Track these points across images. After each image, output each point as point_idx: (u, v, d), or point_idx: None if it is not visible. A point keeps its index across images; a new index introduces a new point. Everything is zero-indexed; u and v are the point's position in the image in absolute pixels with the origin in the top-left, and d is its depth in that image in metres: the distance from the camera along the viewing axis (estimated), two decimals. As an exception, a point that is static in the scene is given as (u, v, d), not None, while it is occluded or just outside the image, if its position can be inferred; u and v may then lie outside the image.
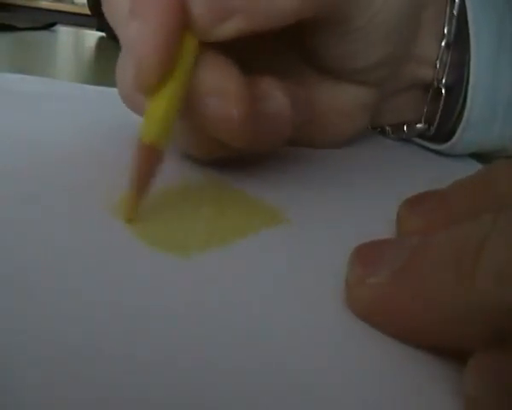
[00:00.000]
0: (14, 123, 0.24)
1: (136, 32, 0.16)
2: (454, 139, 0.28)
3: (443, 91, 0.27)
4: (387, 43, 0.24)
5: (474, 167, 0.27)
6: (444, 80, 0.27)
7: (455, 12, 0.26)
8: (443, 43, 0.27)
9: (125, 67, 0.20)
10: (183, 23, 0.16)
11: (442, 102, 0.27)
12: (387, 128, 0.31)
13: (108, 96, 0.32)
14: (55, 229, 0.15)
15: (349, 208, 0.20)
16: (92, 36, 0.71)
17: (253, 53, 0.21)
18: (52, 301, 0.12)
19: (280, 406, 0.10)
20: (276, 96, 0.19)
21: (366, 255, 0.14)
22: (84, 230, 0.15)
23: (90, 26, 0.92)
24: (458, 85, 0.27)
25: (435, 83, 0.27)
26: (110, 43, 0.63)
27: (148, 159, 0.16)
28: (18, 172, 0.19)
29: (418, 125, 0.29)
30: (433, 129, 0.29)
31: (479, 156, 0.30)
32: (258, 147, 0.20)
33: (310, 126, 0.23)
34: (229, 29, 0.17)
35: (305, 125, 0.21)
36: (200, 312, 0.12)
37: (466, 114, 0.27)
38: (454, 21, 0.26)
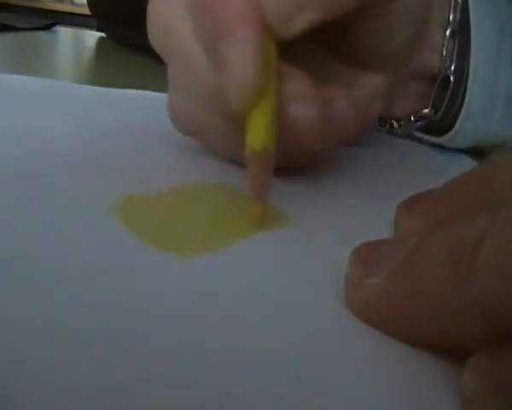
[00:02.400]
0: (14, 123, 0.24)
1: (232, 55, 0.16)
2: (455, 129, 0.28)
3: (451, 78, 0.27)
4: (411, 27, 0.24)
5: (469, 165, 0.27)
6: (453, 67, 0.27)
7: (459, 0, 0.26)
8: (448, 31, 0.27)
9: (187, 94, 0.20)
10: (264, 31, 0.17)
11: (450, 88, 0.27)
12: (395, 124, 0.31)
13: (108, 97, 0.32)
14: (54, 229, 0.15)
15: (349, 208, 0.20)
16: (92, 36, 0.71)
17: (298, 60, 0.21)
18: (52, 301, 0.12)
19: (280, 405, 0.10)
20: (340, 101, 0.19)
21: (365, 256, 0.14)
22: (84, 230, 0.15)
23: (89, 27, 0.92)
24: (460, 77, 0.27)
25: (443, 71, 0.27)
26: (110, 44, 0.63)
27: (264, 164, 0.17)
28: (17, 172, 0.19)
29: (425, 111, 0.29)
30: (439, 113, 0.28)
31: (476, 153, 0.30)
32: (325, 150, 0.21)
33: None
34: (304, 21, 0.18)
35: (344, 136, 0.21)
36: (200, 312, 0.12)
37: (466, 103, 0.27)
38: (458, 9, 0.26)
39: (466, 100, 0.27)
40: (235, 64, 0.16)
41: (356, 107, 0.20)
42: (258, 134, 0.16)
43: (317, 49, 0.25)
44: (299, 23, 0.18)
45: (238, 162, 0.21)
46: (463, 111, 0.27)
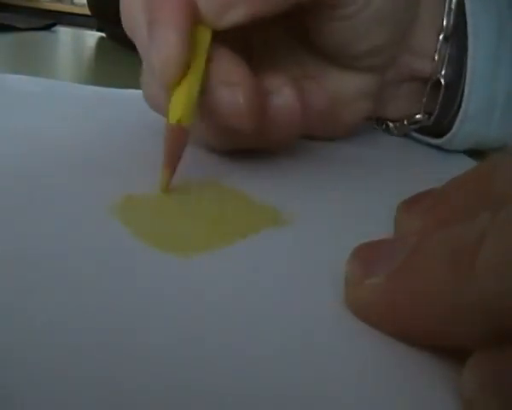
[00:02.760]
0: (14, 123, 0.24)
1: (157, 36, 0.18)
2: (452, 131, 0.28)
3: (442, 82, 0.27)
4: (383, 30, 0.25)
5: (469, 165, 0.27)
6: (443, 72, 0.27)
7: (453, 6, 0.27)
8: (441, 36, 0.27)
9: (149, 71, 0.22)
10: (195, 19, 0.19)
11: (442, 93, 0.27)
12: (391, 125, 0.31)
13: (108, 97, 0.32)
14: (54, 229, 0.15)
15: (349, 208, 0.20)
16: (92, 36, 0.71)
17: (261, 49, 0.22)
18: (52, 301, 0.12)
19: (280, 405, 0.10)
20: (283, 89, 0.21)
21: (365, 256, 0.14)
22: (84, 230, 0.15)
23: (89, 27, 0.91)
24: (457, 78, 0.27)
25: (434, 75, 0.28)
26: (110, 44, 0.63)
27: (176, 137, 0.18)
28: (17, 172, 0.19)
29: (417, 116, 0.29)
30: (432, 118, 0.29)
31: (475, 154, 0.30)
32: (271, 140, 0.22)
33: (319, 117, 0.24)
34: (235, 16, 0.19)
35: (319, 116, 0.23)
36: (200, 312, 0.12)
37: (464, 105, 0.27)
38: (452, 14, 0.27)
39: (464, 102, 0.27)
40: (159, 45, 0.18)
41: (318, 103, 0.22)
42: (175, 110, 0.18)
43: (297, 46, 0.26)
44: (229, 19, 0.19)
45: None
46: (461, 113, 0.27)
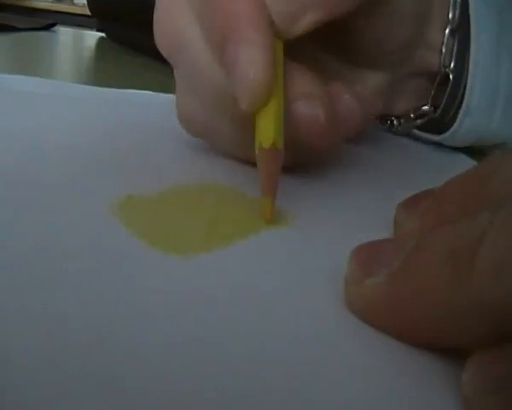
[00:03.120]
0: (14, 123, 0.24)
1: (240, 57, 0.16)
2: (455, 125, 0.28)
3: (450, 76, 0.27)
4: (409, 26, 0.25)
5: (469, 165, 0.27)
6: (452, 65, 0.27)
7: None
8: (447, 30, 0.27)
9: (194, 96, 0.21)
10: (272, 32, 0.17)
11: (450, 85, 0.27)
12: (395, 122, 0.31)
13: (108, 97, 0.32)
14: (54, 229, 0.15)
15: (349, 208, 0.20)
16: (92, 36, 0.71)
17: (300, 59, 0.21)
18: (52, 301, 0.12)
19: (280, 405, 0.10)
20: (346, 98, 0.20)
21: (365, 256, 0.14)
22: (84, 230, 0.15)
23: (89, 27, 0.92)
24: (460, 73, 0.27)
25: (442, 69, 0.28)
26: (110, 44, 0.63)
27: (273, 160, 0.17)
28: (17, 172, 0.19)
29: (424, 108, 0.29)
30: (439, 111, 0.29)
31: (475, 153, 0.30)
32: (333, 148, 0.21)
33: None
34: (309, 22, 0.19)
35: (351, 133, 0.22)
36: (200, 312, 0.12)
37: (466, 99, 0.27)
38: (458, 7, 0.27)
39: (466, 95, 0.27)
40: (245, 67, 0.16)
41: (363, 104, 0.21)
42: (267, 133, 0.17)
43: (317, 48, 0.25)
44: (305, 23, 0.19)
45: (246, 161, 0.22)
46: (464, 106, 0.27)
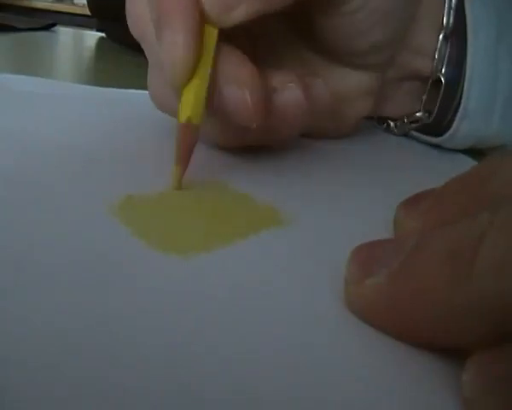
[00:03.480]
0: (14, 123, 0.24)
1: (166, 38, 0.19)
2: (452, 129, 0.28)
3: (442, 80, 0.27)
4: (384, 28, 0.25)
5: (469, 165, 0.27)
6: (443, 70, 0.27)
7: (452, 5, 0.27)
8: (441, 35, 0.27)
9: (157, 72, 0.23)
10: (202, 19, 0.19)
11: (442, 91, 0.28)
12: (391, 124, 0.31)
13: (108, 97, 0.32)
14: (54, 229, 0.15)
15: (349, 209, 0.20)
16: (92, 36, 0.71)
17: (264, 47, 0.22)
18: (52, 301, 0.12)
19: (280, 406, 0.10)
20: (290, 87, 0.21)
21: (365, 256, 0.14)
22: (84, 230, 0.15)
23: (89, 27, 0.92)
24: (457, 77, 0.27)
25: (434, 74, 0.28)
26: (110, 44, 0.63)
27: (187, 135, 0.19)
28: (17, 172, 0.19)
29: (418, 114, 0.30)
30: (431, 117, 0.29)
31: (475, 153, 0.30)
32: (276, 136, 0.23)
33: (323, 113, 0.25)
34: (239, 14, 0.20)
35: (322, 112, 0.23)
36: (200, 312, 0.12)
37: (463, 102, 0.27)
38: (452, 13, 0.27)
39: (463, 99, 0.27)
40: (168, 47, 0.19)
41: (318, 97, 0.22)
42: (185, 108, 0.19)
43: (300, 43, 0.26)
44: (237, 15, 0.20)
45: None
46: (461, 110, 0.27)
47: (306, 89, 0.21)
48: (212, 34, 0.20)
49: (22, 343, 0.11)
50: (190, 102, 0.19)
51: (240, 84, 0.19)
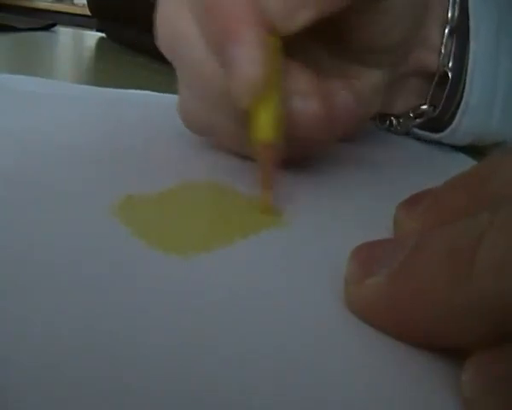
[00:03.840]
0: (14, 123, 0.24)
1: (236, 55, 0.17)
2: (454, 123, 0.28)
3: (449, 74, 0.27)
4: (406, 24, 0.25)
5: (469, 164, 0.27)
6: (450, 64, 0.27)
7: None
8: (447, 29, 0.27)
9: (195, 93, 0.22)
10: (267, 30, 0.18)
11: (449, 85, 0.28)
12: (394, 121, 0.31)
13: (108, 97, 0.32)
14: (54, 229, 0.15)
15: (349, 209, 0.20)
16: (92, 37, 0.71)
17: (297, 56, 0.21)
18: (52, 301, 0.12)
19: (280, 406, 0.10)
20: (342, 93, 0.21)
21: (364, 256, 0.14)
22: (84, 230, 0.15)
23: (89, 27, 0.92)
24: (459, 72, 0.27)
25: (441, 68, 0.28)
26: (110, 44, 0.63)
27: (270, 155, 0.18)
28: (17, 172, 0.19)
29: (423, 107, 0.29)
30: (437, 110, 0.29)
31: (475, 153, 0.30)
32: (328, 143, 0.22)
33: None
34: (304, 18, 0.19)
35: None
36: (200, 312, 0.12)
37: (465, 97, 0.27)
38: (457, 7, 0.27)
39: (465, 93, 0.27)
40: (240, 65, 0.17)
41: (358, 98, 0.21)
42: (264, 128, 0.18)
43: (315, 45, 0.26)
44: (301, 20, 0.19)
45: (246, 157, 0.22)
46: (463, 104, 0.27)
47: (326, 102, 0.20)
48: (276, 44, 0.19)
49: (22, 343, 0.11)
50: (269, 120, 0.18)
51: (307, 95, 0.19)
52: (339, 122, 0.20)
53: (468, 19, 0.27)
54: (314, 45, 0.26)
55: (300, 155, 0.22)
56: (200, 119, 0.22)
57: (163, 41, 0.22)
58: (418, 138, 0.32)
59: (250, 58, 0.17)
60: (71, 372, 0.10)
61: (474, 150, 0.30)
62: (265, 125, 0.18)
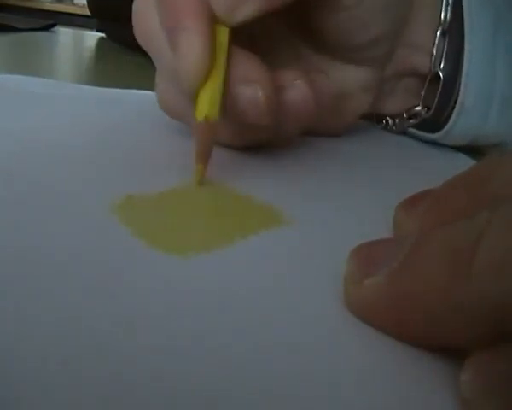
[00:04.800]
0: (14, 123, 0.24)
1: (181, 43, 0.19)
2: (449, 124, 0.28)
3: (441, 75, 0.28)
4: (379, 23, 0.25)
5: (468, 164, 0.27)
6: (442, 66, 0.28)
7: (450, 0, 0.27)
8: (439, 31, 0.27)
9: (168, 77, 0.23)
10: (213, 20, 0.19)
11: (441, 86, 0.28)
12: (390, 121, 0.31)
13: (108, 97, 0.32)
14: (54, 229, 0.15)
15: (348, 209, 0.20)
16: (92, 37, 0.71)
17: (265, 46, 0.23)
18: (52, 301, 0.12)
19: (280, 406, 0.10)
20: (298, 84, 0.21)
21: (364, 255, 0.14)
22: (84, 229, 0.15)
23: (89, 27, 0.92)
24: (455, 73, 0.27)
25: (433, 69, 0.28)
26: (110, 44, 0.63)
27: (205, 133, 0.19)
28: (17, 172, 0.19)
29: (416, 108, 0.30)
30: (430, 112, 0.29)
31: (475, 153, 0.30)
32: (284, 134, 0.23)
33: (325, 109, 0.25)
34: (248, 11, 0.20)
35: (325, 108, 0.24)
36: (200, 312, 0.12)
37: (461, 97, 0.27)
38: (449, 8, 0.27)
39: (460, 94, 0.27)
40: (183, 51, 0.19)
41: (322, 93, 0.22)
42: (202, 107, 0.19)
43: (298, 40, 0.27)
44: (242, 14, 0.20)
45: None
46: (458, 105, 0.27)
47: (312, 85, 0.22)
48: (223, 34, 0.20)
49: (22, 343, 0.11)
50: (207, 100, 0.19)
51: (251, 82, 0.20)
52: (291, 112, 0.21)
53: (462, 20, 0.27)
54: (298, 41, 0.27)
55: (257, 140, 0.23)
56: (172, 104, 0.24)
57: (137, 33, 0.23)
58: (415, 138, 0.32)
59: (190, 44, 0.19)
60: (71, 372, 0.10)
61: (473, 150, 0.30)
62: (203, 104, 0.19)
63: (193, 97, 0.20)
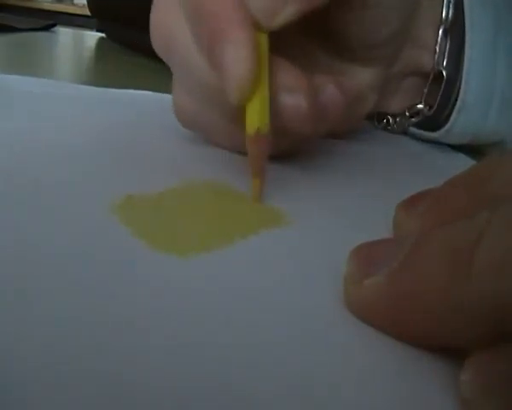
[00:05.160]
0: (14, 123, 0.24)
1: (226, 54, 0.18)
2: (450, 122, 0.28)
3: (444, 74, 0.28)
4: (393, 21, 0.25)
5: (468, 164, 0.27)
6: (445, 64, 0.28)
7: None
8: (441, 29, 0.27)
9: (189, 90, 0.22)
10: (254, 27, 0.18)
11: (443, 84, 0.28)
12: (391, 120, 0.31)
13: (108, 97, 0.32)
14: (54, 229, 0.15)
15: (348, 209, 0.20)
16: (92, 37, 0.71)
17: (278, 50, 0.22)
18: (51, 302, 0.12)
19: (280, 406, 0.10)
20: (329, 87, 0.21)
21: (364, 255, 0.14)
22: (84, 229, 0.15)
23: (89, 27, 0.92)
24: (456, 72, 0.27)
25: (436, 67, 0.28)
26: (110, 44, 0.63)
27: (259, 146, 0.19)
28: (17, 173, 0.19)
29: (418, 106, 0.30)
30: (432, 110, 0.29)
31: (475, 153, 0.30)
32: (315, 135, 0.23)
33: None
34: (288, 13, 0.19)
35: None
36: (200, 312, 0.12)
37: (461, 96, 0.27)
38: (451, 6, 0.27)
39: (461, 92, 0.27)
40: (230, 65, 0.18)
41: (346, 94, 0.22)
42: (252, 120, 0.19)
43: (309, 43, 0.26)
44: (284, 16, 0.19)
45: (241, 152, 0.23)
46: (459, 102, 0.27)
47: (312, 97, 0.21)
48: (264, 41, 0.19)
49: (22, 343, 0.11)
50: (256, 112, 0.19)
51: (293, 91, 0.19)
52: (325, 116, 0.21)
53: (463, 18, 0.27)
54: (308, 44, 0.26)
55: (289, 148, 0.23)
56: (192, 115, 0.23)
57: (157, 42, 0.23)
58: (416, 138, 0.32)
59: (238, 57, 0.18)
60: (71, 372, 0.10)
61: (474, 150, 0.30)
62: (253, 117, 0.19)
63: (237, 112, 0.19)
